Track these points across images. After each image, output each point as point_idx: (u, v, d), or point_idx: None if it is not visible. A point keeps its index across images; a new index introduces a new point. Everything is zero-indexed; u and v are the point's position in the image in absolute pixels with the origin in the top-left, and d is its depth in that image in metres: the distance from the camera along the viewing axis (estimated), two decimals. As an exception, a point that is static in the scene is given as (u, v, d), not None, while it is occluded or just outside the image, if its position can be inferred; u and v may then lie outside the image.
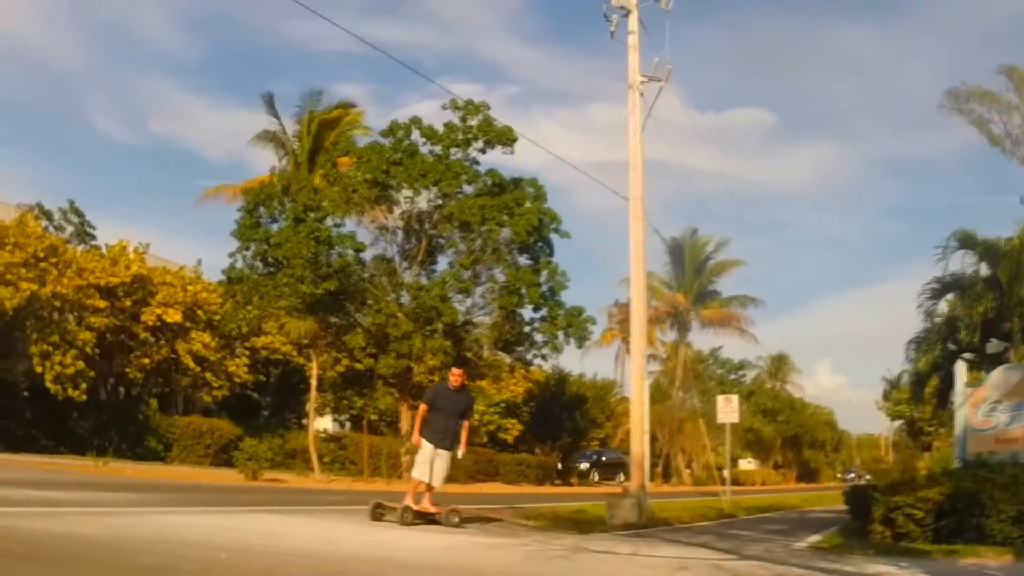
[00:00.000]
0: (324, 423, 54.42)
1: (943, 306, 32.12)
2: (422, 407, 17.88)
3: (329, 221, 40.03)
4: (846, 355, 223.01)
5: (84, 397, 37.38)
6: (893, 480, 20.21)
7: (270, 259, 40.04)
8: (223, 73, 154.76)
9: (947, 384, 30.61)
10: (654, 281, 71.89)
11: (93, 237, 49.89)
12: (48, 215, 48.47)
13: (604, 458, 62.43)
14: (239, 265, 41.13)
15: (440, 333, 39.96)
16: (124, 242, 43.25)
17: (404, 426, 42.14)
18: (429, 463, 17.38)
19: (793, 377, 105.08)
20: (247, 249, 40.91)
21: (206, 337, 43.86)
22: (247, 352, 47.56)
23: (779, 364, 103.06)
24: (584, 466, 61.83)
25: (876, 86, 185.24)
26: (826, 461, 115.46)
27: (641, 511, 22.73)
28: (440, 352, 38.83)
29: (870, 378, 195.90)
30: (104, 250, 44.19)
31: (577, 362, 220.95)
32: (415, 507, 17.33)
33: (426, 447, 17.46)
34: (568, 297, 43.46)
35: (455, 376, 18.11)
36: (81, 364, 37.06)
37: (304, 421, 49.89)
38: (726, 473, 40.26)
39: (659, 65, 25.58)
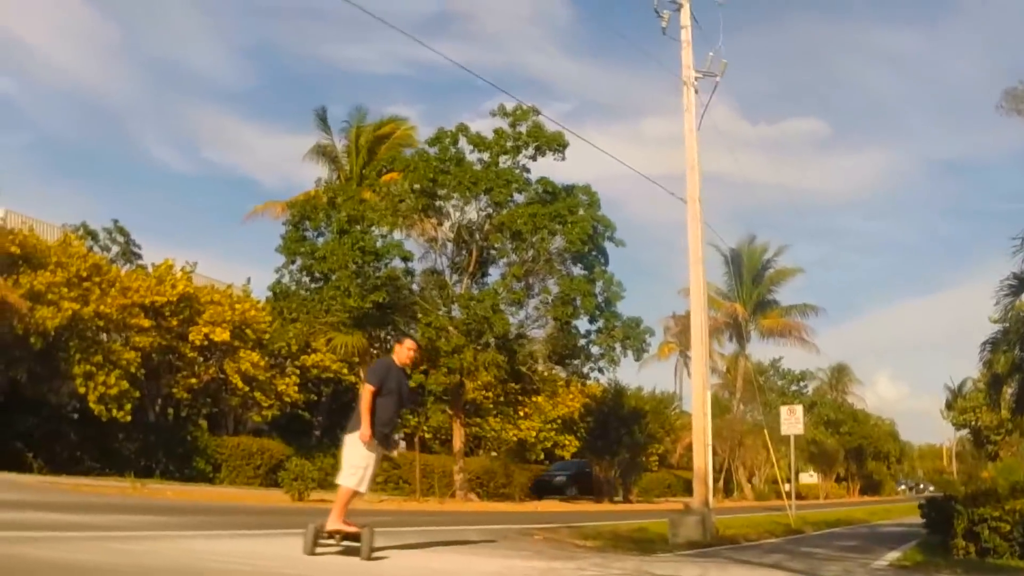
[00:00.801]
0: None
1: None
2: (368, 389, 12.79)
3: (376, 233, 38.97)
4: (907, 364, 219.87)
5: (129, 418, 36.49)
6: (975, 491, 18.89)
7: (316, 273, 39.04)
8: (273, 99, 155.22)
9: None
10: (711, 292, 70.47)
11: (139, 257, 49.32)
12: (93, 235, 47.94)
13: (587, 469, 56.31)
14: (285, 280, 40.13)
15: (492, 347, 38.77)
16: (170, 261, 42.35)
17: (457, 443, 41.20)
18: (368, 467, 12.84)
19: (854, 388, 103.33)
20: (293, 264, 40.04)
21: (255, 356, 42.80)
22: (297, 371, 46.64)
23: (839, 375, 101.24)
24: (560, 479, 55.18)
25: (926, 86, 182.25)
26: (889, 473, 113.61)
27: (705, 528, 21.37)
28: (492, 366, 37.85)
29: (932, 387, 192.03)
30: (150, 270, 43.14)
31: (634, 376, 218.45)
32: (341, 527, 12.77)
33: (370, 447, 12.74)
34: (623, 309, 42.01)
35: (411, 350, 13.46)
36: (125, 384, 36.11)
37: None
38: (790, 487, 38.89)
39: (713, 60, 24.87)
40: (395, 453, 12.24)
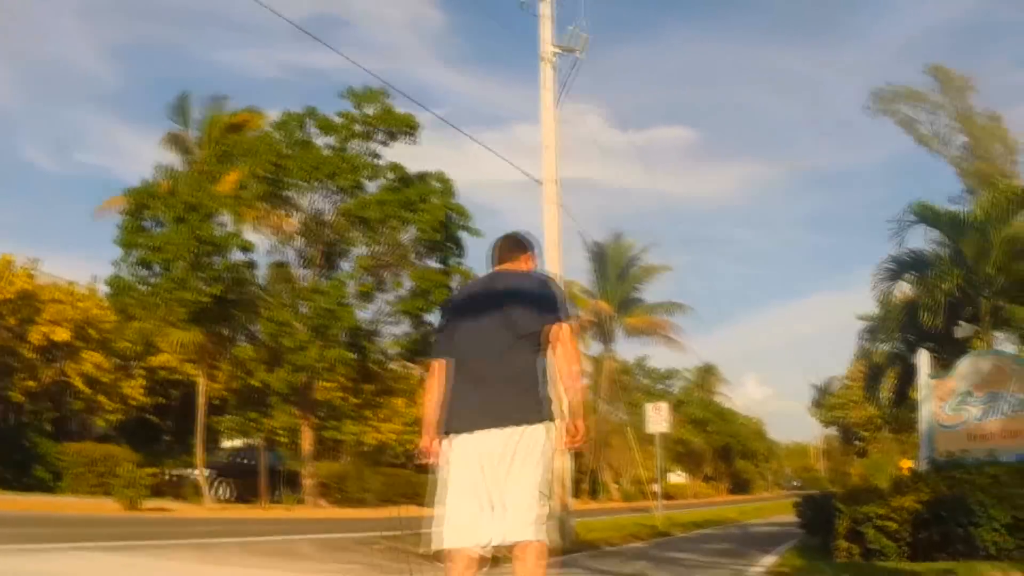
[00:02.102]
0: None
1: (899, 289, 29.00)
2: (433, 365, 6.68)
3: (217, 222, 36.46)
4: (773, 367, 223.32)
5: None
6: (854, 488, 17.57)
7: (156, 266, 36.33)
8: (149, 101, 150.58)
9: (906, 376, 27.78)
10: (575, 289, 69.24)
11: None
12: None
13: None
14: (124, 274, 37.31)
15: (342, 344, 36.63)
16: (9, 256, 39.93)
17: (306, 446, 39.11)
18: (469, 491, 6.16)
19: (721, 388, 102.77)
20: (131, 256, 37.24)
21: (98, 357, 41.04)
22: (144, 373, 44.84)
23: (706, 375, 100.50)
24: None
25: (793, 100, 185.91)
26: (758, 472, 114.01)
27: (564, 533, 19.91)
28: (339, 363, 35.66)
29: (798, 388, 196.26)
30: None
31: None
32: None
33: (449, 448, 6.42)
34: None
35: (506, 249, 6.97)
36: None
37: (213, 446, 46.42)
38: (657, 487, 37.48)
39: (574, 35, 23.68)
40: (574, 437, 8.22)
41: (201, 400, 38.16)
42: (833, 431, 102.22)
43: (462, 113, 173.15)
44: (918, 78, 41.19)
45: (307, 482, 39.17)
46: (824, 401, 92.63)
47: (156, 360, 44.46)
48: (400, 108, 37.72)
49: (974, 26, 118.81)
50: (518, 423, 6.24)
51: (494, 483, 6.13)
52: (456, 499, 6.18)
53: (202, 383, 38.24)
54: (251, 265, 38.16)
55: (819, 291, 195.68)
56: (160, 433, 51.07)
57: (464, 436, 6.25)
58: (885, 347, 28.63)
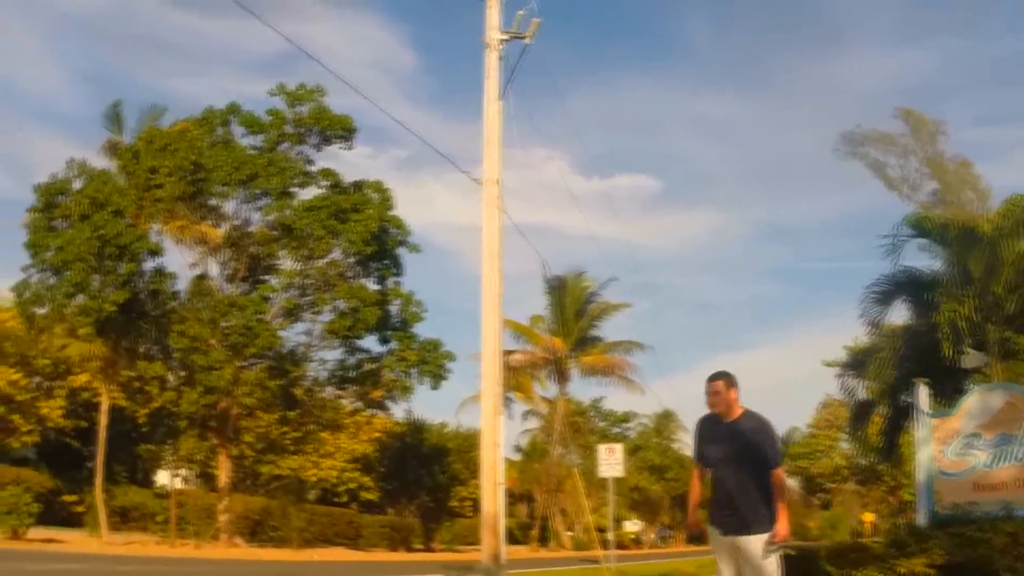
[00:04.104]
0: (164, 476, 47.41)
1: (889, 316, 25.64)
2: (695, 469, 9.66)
3: (127, 224, 32.77)
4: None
5: None
6: (839, 545, 14.46)
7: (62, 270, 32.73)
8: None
9: (895, 416, 24.40)
10: (535, 326, 66.41)
11: None
12: None
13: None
14: (34, 280, 33.64)
15: (264, 367, 33.23)
16: None
17: (223, 478, 35.81)
18: (728, 568, 9.22)
19: (680, 435, 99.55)
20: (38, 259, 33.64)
21: (12, 373, 38.12)
22: (64, 392, 41.71)
23: (665, 421, 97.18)
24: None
25: (751, 153, 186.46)
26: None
27: None
28: (257, 386, 32.27)
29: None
30: None
31: (452, 419, 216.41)
32: None
33: (715, 539, 9.32)
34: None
35: (711, 395, 9.30)
36: None
37: (143, 475, 43.23)
38: (610, 535, 34.26)
39: (524, 19, 20.83)
40: (777, 540, 7.78)
41: (103, 420, 34.75)
42: (795, 483, 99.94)
43: (424, 155, 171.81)
44: (886, 123, 38.91)
45: (223, 518, 35.67)
46: (786, 451, 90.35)
47: (78, 380, 41.26)
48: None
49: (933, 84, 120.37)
50: None
51: None
52: None
53: (104, 401, 34.78)
54: (162, 273, 34.72)
55: (777, 341, 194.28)
56: (83, 459, 47.64)
57: None
58: (874, 382, 25.21)
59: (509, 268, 20.22)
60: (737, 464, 8.92)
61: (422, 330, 37.04)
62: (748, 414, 9.15)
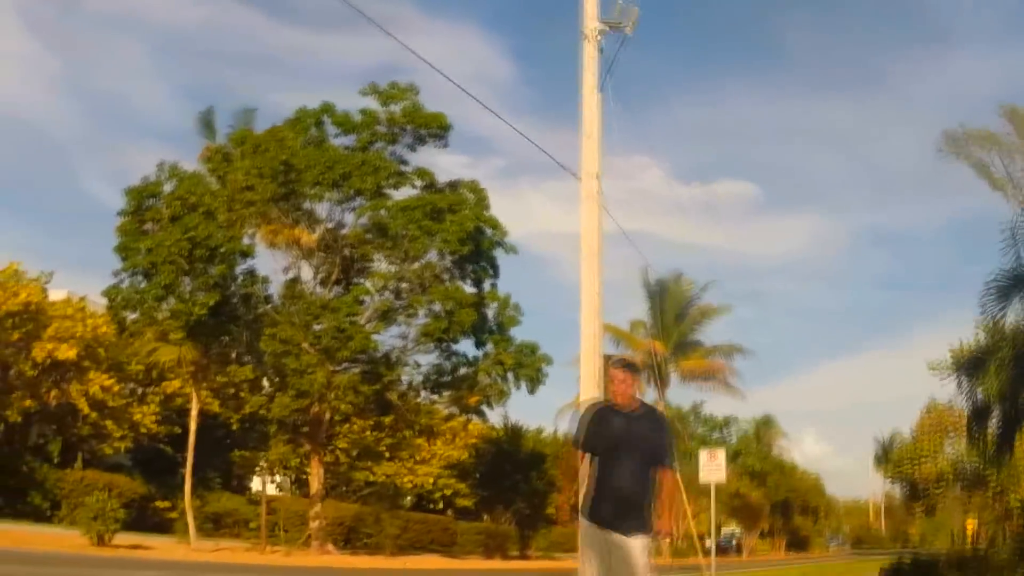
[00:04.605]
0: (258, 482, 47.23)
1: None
2: (581, 457, 8.97)
3: (220, 226, 32.27)
4: (831, 423, 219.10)
5: None
6: (959, 553, 13.60)
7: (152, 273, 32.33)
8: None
9: (1015, 418, 23.05)
10: (628, 328, 65.45)
11: None
12: None
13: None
14: (125, 285, 33.30)
15: (357, 371, 32.65)
16: (15, 264, 37.39)
17: (315, 484, 35.40)
18: (597, 558, 8.59)
19: (780, 442, 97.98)
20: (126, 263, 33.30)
21: (106, 379, 37.89)
22: (158, 399, 41.55)
23: (765, 427, 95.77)
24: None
25: (856, 158, 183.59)
26: (816, 529, 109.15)
27: None
28: (349, 390, 31.58)
29: (855, 446, 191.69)
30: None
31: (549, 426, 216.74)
32: None
33: (589, 533, 8.77)
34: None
35: (617, 382, 8.72)
36: None
37: (237, 481, 43.07)
38: (710, 543, 33.20)
39: (623, 9, 19.82)
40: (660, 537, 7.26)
41: (192, 425, 34.24)
42: (896, 488, 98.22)
43: (522, 163, 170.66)
44: (991, 122, 37.28)
45: (314, 524, 35.16)
46: (891, 455, 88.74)
47: (171, 386, 41.24)
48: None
49: None
50: None
51: None
52: None
53: (195, 406, 34.27)
54: (254, 275, 34.38)
55: (879, 348, 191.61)
56: (176, 465, 47.18)
57: None
58: (994, 382, 23.90)
59: (607, 276, 19.27)
60: (630, 458, 8.46)
61: (519, 335, 36.42)
62: (646, 408, 8.88)
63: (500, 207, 33.05)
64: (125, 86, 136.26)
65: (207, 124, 38.30)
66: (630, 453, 8.41)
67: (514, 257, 36.47)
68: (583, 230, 19.21)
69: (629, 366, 8.88)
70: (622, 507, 8.37)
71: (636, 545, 8.30)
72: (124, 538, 28.79)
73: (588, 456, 8.66)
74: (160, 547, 30.41)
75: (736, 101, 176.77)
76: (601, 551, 8.44)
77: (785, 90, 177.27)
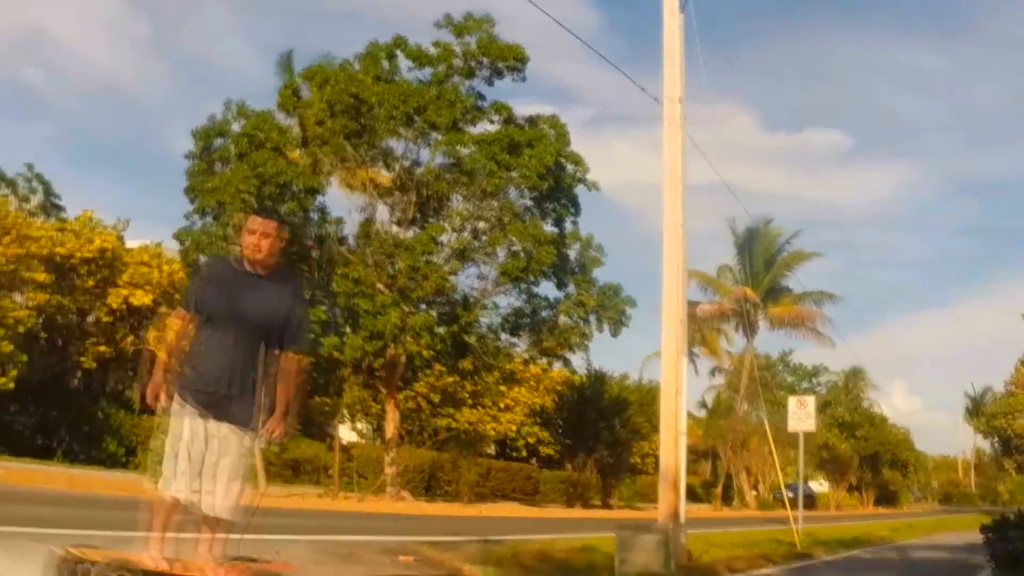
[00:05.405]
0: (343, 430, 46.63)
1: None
2: (173, 317, 7.30)
3: (289, 164, 31.40)
4: (920, 376, 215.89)
5: (11, 385, 30.66)
6: None
7: (220, 213, 31.71)
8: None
9: None
10: (715, 273, 64.96)
11: (61, 210, 44.68)
12: (11, 184, 43.44)
13: None
14: (196, 228, 32.74)
15: (434, 313, 31.74)
16: (89, 212, 36.86)
17: (390, 429, 34.41)
18: (187, 453, 6.88)
19: (869, 394, 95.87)
20: (195, 204, 32.80)
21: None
22: None
23: (854, 378, 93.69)
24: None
25: (947, 103, 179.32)
26: (905, 484, 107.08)
27: (668, 553, 14.17)
28: (425, 331, 30.52)
29: (946, 399, 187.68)
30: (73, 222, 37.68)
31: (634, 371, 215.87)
32: (154, 565, 6.72)
33: (179, 417, 6.94)
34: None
35: (257, 234, 7.17)
36: (9, 347, 30.30)
37: (317, 428, 42.48)
38: (798, 496, 31.81)
39: None
40: (274, 439, 6.03)
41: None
42: (986, 444, 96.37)
43: (608, 111, 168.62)
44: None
45: (389, 470, 34.36)
46: (984, 410, 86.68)
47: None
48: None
49: None
50: None
51: None
52: None
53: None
54: (324, 213, 33.53)
55: (969, 300, 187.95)
56: (254, 410, 46.90)
57: None
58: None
59: (691, 224, 17.90)
60: (252, 329, 7.09)
61: (601, 279, 35.32)
62: (283, 273, 7.61)
63: (587, 157, 31.57)
64: (210, 48, 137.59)
65: (286, 67, 37.42)
66: (249, 323, 7.07)
67: (600, 206, 35.35)
68: (665, 157, 17.98)
69: (273, 213, 7.87)
70: (230, 389, 6.97)
71: (242, 439, 7.06)
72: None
73: (191, 317, 7.14)
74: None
75: (823, 42, 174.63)
76: (195, 443, 6.92)
77: (876, 31, 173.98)
